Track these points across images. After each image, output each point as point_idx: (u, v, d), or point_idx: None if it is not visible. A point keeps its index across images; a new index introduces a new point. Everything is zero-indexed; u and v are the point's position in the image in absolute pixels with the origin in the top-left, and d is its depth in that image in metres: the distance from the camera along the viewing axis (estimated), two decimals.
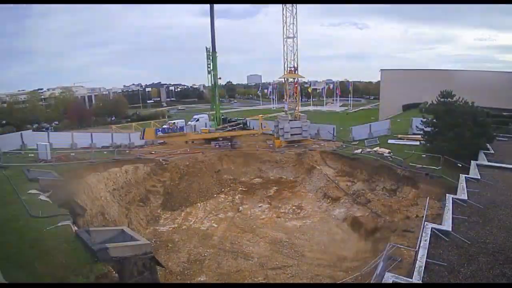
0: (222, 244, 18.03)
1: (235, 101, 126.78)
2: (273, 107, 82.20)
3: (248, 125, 37.96)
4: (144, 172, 24.08)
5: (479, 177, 13.97)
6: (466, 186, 12.95)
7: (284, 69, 30.53)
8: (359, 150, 26.33)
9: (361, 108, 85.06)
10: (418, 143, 24.81)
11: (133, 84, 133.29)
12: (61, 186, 16.00)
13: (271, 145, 30.97)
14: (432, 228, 9.45)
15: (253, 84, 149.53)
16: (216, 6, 33.15)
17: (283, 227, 20.12)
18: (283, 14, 29.06)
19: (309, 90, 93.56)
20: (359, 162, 24.96)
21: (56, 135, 30.76)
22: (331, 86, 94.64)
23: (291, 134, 30.44)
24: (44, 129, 50.06)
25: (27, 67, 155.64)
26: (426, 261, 7.92)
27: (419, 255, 8.19)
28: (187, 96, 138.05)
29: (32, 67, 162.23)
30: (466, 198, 11.83)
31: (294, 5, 28.93)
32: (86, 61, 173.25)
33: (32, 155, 22.68)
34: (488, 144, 19.72)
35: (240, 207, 23.14)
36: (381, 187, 22.21)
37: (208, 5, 31.54)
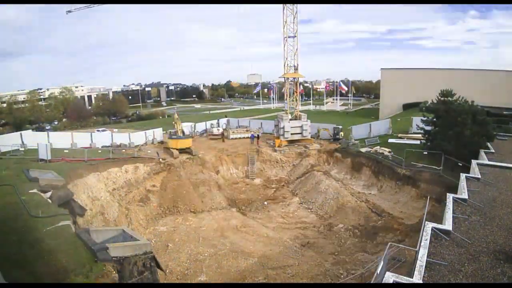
0: (222, 244, 18.01)
1: (240, 101, 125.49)
2: (273, 107, 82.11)
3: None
4: (144, 172, 24.05)
5: (480, 176, 13.91)
6: (467, 185, 12.90)
7: (284, 68, 30.49)
8: (360, 150, 26.29)
9: (361, 107, 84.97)
10: (418, 142, 24.76)
11: (133, 84, 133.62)
12: (61, 186, 15.98)
13: (271, 145, 30.94)
14: (432, 227, 9.40)
15: (253, 83, 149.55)
16: None
17: (283, 227, 20.10)
18: (283, 14, 29.00)
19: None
20: (359, 162, 24.97)
21: (55, 135, 30.69)
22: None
23: (292, 134, 30.39)
24: (44, 128, 49.99)
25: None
26: (426, 260, 7.88)
27: (420, 255, 8.16)
28: (187, 95, 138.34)
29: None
30: (466, 197, 11.79)
31: (295, 4, 28.89)
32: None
33: (32, 155, 22.61)
34: (488, 143, 19.67)
35: (241, 207, 23.12)
36: (382, 186, 22.23)
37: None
